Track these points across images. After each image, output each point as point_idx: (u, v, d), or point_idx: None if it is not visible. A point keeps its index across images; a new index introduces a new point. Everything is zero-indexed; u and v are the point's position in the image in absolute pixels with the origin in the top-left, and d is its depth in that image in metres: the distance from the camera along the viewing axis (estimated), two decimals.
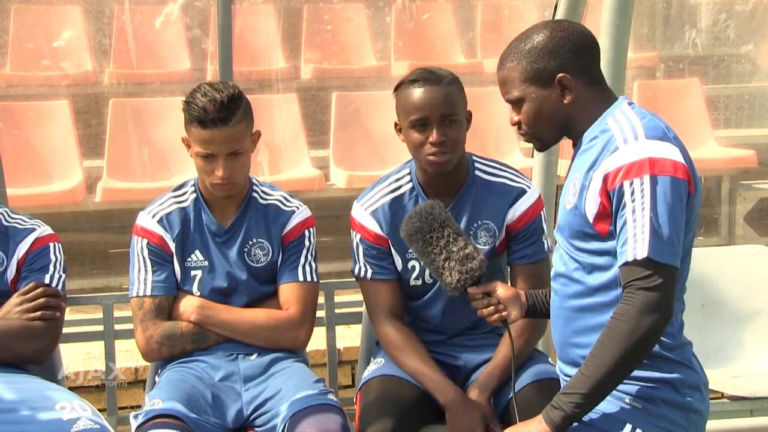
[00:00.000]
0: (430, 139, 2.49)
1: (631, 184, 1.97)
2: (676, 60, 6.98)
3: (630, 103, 2.12)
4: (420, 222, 2.24)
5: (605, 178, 2.00)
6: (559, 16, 3.34)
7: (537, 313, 2.36)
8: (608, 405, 2.06)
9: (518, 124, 2.17)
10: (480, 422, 2.45)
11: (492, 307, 2.27)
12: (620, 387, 2.05)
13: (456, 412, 2.47)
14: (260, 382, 2.61)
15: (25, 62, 6.06)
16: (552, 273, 2.20)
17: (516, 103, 2.15)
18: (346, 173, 5.61)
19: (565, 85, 2.10)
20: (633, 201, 1.96)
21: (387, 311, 2.64)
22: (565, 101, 2.10)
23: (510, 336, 2.29)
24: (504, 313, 2.28)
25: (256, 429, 2.56)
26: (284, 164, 5.72)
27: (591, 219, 2.04)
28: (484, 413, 2.47)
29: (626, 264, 1.97)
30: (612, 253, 2.03)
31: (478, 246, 2.60)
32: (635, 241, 1.95)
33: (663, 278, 1.95)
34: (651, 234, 1.94)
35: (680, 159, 2.00)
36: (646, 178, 1.96)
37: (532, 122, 2.14)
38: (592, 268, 2.07)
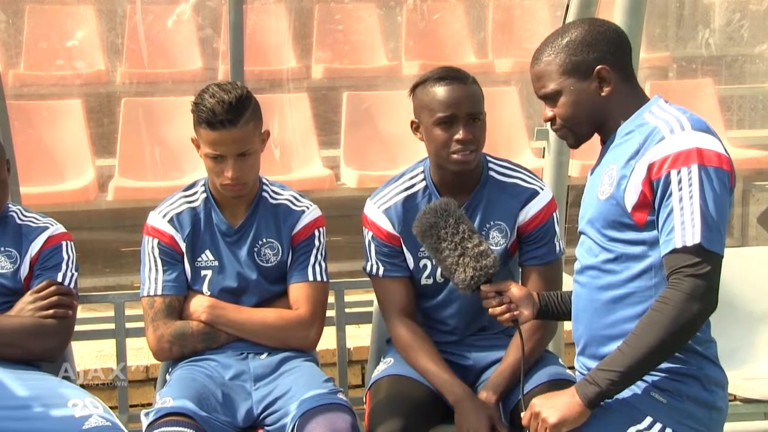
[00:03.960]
0: (456, 137, 2.49)
1: (679, 173, 1.98)
2: (689, 60, 6.96)
3: (666, 102, 2.14)
4: (435, 218, 2.23)
5: (650, 167, 2.01)
6: (570, 16, 3.33)
7: (549, 314, 2.36)
8: (633, 395, 2.07)
9: (552, 119, 2.17)
10: (486, 423, 2.44)
11: (504, 306, 2.26)
12: (648, 378, 2.06)
13: (464, 411, 2.47)
14: (270, 381, 2.62)
15: (38, 62, 6.10)
16: (578, 267, 2.19)
17: (551, 98, 2.15)
18: (356, 173, 5.62)
19: (604, 77, 2.11)
20: (680, 190, 1.97)
21: (398, 309, 2.64)
22: (603, 93, 2.12)
23: (521, 336, 2.28)
24: (516, 313, 2.27)
25: (266, 428, 2.56)
26: (295, 164, 5.73)
27: (629, 208, 2.05)
28: (491, 414, 2.47)
29: (674, 251, 1.97)
30: (648, 243, 2.04)
31: (490, 246, 2.60)
32: (683, 228, 1.95)
33: (711, 266, 1.96)
34: (702, 222, 1.95)
35: (724, 152, 2.03)
36: (694, 167, 1.97)
37: (569, 115, 2.14)
38: (626, 258, 2.07)
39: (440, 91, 2.51)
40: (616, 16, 3.18)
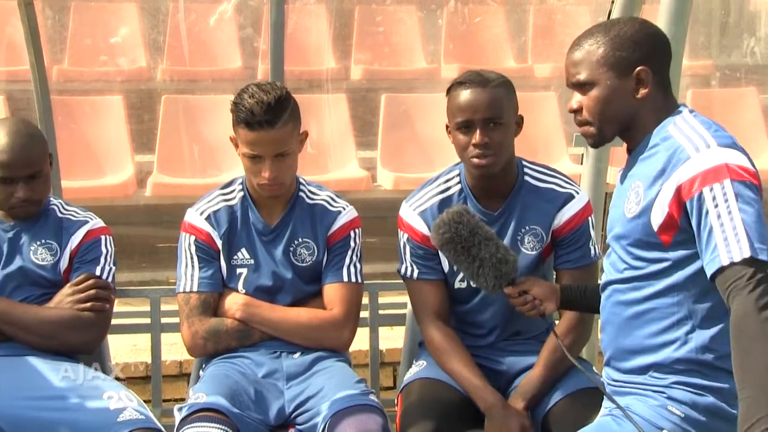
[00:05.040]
0: (473, 141, 2.48)
1: (711, 190, 1.94)
2: (733, 68, 6.86)
3: (691, 111, 2.10)
4: (450, 233, 2.24)
5: (679, 189, 1.97)
6: None
7: (572, 306, 2.41)
8: (648, 408, 2.05)
9: (577, 111, 2.12)
10: (517, 430, 2.43)
11: (528, 305, 2.32)
12: (666, 391, 2.04)
13: (494, 418, 2.46)
14: (302, 381, 2.63)
15: (82, 58, 6.19)
16: (604, 279, 2.18)
17: (582, 87, 2.10)
18: (393, 175, 5.62)
19: (642, 78, 2.06)
20: (716, 206, 1.93)
21: (432, 312, 2.64)
22: (638, 96, 2.07)
23: (554, 333, 2.33)
24: (541, 309, 2.33)
25: (298, 427, 2.57)
26: (332, 164, 5.75)
27: (656, 228, 2.02)
28: (522, 422, 2.45)
29: (722, 269, 1.91)
30: (672, 261, 2.02)
31: (525, 251, 2.59)
32: (727, 244, 1.90)
33: (766, 273, 1.88)
34: (746, 234, 1.89)
35: (751, 166, 1.99)
36: (727, 183, 1.93)
37: (597, 110, 2.09)
38: (650, 276, 2.05)
39: (460, 95, 2.50)
40: (660, 23, 3.14)
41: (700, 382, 2.03)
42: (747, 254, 1.88)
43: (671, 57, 2.13)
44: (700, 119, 2.06)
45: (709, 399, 2.02)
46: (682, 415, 2.03)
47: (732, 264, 1.89)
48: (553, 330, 2.36)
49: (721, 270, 1.91)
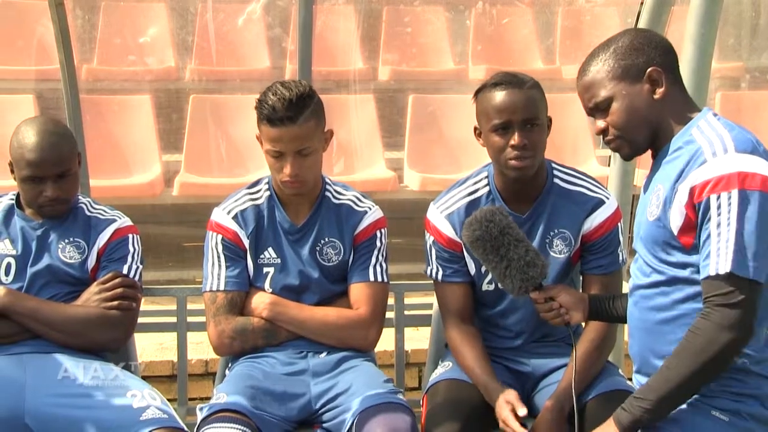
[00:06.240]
0: (512, 143, 2.47)
1: (718, 198, 1.94)
2: (763, 71, 6.78)
3: (715, 114, 2.08)
4: (480, 230, 2.23)
5: (692, 191, 1.97)
6: (642, 23, 3.28)
7: (600, 317, 2.38)
8: (694, 415, 2.04)
9: (604, 131, 2.13)
10: (504, 404, 2.39)
11: (553, 312, 2.29)
12: (706, 399, 2.03)
13: (494, 401, 2.44)
14: (330, 378, 2.62)
15: (111, 57, 6.23)
16: (631, 284, 2.17)
17: (603, 107, 2.11)
18: (419, 176, 5.61)
19: (655, 78, 2.07)
20: (719, 215, 1.93)
21: (454, 313, 2.64)
22: (656, 96, 2.08)
23: (573, 340, 2.31)
24: (566, 317, 2.30)
25: (324, 425, 2.57)
26: (358, 164, 5.75)
27: (676, 231, 2.02)
28: (509, 398, 2.41)
29: (708, 278, 1.95)
30: (695, 266, 2.01)
31: (554, 254, 2.57)
32: (718, 255, 1.93)
33: (745, 295, 1.91)
34: (735, 249, 1.91)
35: None
36: (734, 193, 1.93)
37: (623, 121, 2.10)
38: (676, 281, 2.05)
39: (496, 97, 2.49)
40: (689, 25, 3.11)
41: (739, 389, 2.02)
42: (728, 269, 1.91)
43: (677, 56, 2.13)
44: (723, 122, 2.06)
45: (750, 405, 2.02)
46: (727, 420, 2.03)
47: (717, 275, 1.92)
48: (570, 329, 2.35)
49: (707, 278, 1.94)
